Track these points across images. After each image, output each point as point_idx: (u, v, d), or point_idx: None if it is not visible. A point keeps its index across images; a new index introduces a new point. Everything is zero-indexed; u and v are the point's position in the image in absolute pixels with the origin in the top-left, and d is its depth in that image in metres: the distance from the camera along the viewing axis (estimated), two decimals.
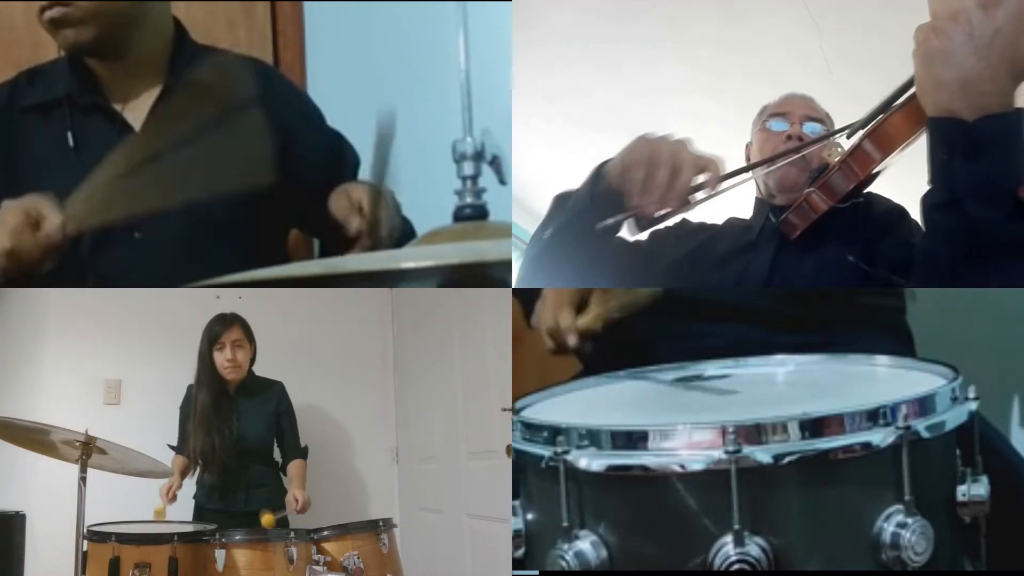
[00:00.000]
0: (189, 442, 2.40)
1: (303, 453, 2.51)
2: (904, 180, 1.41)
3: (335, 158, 1.73)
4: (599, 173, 1.37)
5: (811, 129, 1.62)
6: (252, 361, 2.49)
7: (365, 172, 1.74)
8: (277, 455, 2.53)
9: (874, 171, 1.33)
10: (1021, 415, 1.84)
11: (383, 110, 1.12)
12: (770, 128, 1.66)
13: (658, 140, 1.29)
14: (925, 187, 1.11)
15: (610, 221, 1.33)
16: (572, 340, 1.35)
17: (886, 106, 1.23)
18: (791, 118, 1.65)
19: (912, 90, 1.16)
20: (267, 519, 2.26)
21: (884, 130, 1.24)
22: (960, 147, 1.01)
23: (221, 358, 2.42)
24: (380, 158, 1.17)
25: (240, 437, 2.40)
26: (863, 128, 1.29)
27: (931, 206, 1.06)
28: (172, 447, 2.46)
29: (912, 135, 1.21)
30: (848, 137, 1.36)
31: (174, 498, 2.37)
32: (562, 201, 1.47)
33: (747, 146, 1.75)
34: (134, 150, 1.38)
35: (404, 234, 1.56)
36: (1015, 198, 1.01)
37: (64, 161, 1.55)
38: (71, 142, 1.55)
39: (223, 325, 2.44)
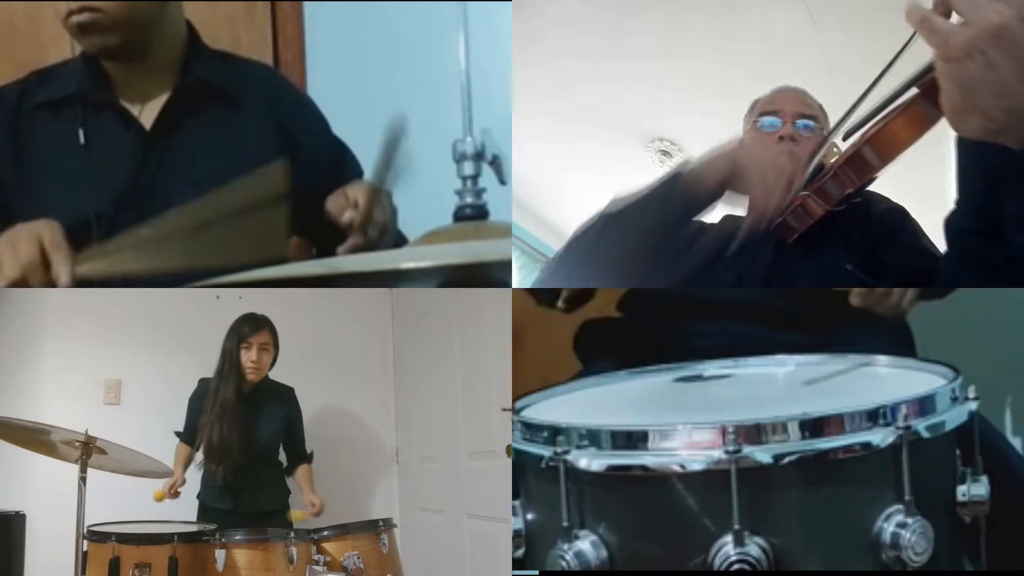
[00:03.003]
0: (201, 435, 2.41)
1: (309, 458, 2.53)
2: (901, 180, 1.41)
3: (337, 167, 1.73)
4: (676, 182, 1.28)
5: (803, 126, 1.59)
6: (272, 366, 2.50)
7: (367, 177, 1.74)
8: (281, 457, 2.54)
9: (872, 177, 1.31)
10: (1021, 415, 1.84)
11: (395, 115, 1.11)
12: (761, 127, 1.61)
13: (748, 146, 1.22)
14: (922, 186, 1.09)
15: (738, 240, 1.27)
16: None
17: (884, 108, 1.21)
18: (783, 116, 1.60)
19: (912, 92, 1.12)
20: (298, 515, 2.35)
21: (884, 136, 1.19)
22: (1005, 177, 0.94)
23: (246, 358, 2.43)
24: (385, 160, 1.16)
25: (252, 438, 2.41)
26: (860, 130, 1.27)
27: (962, 231, 1.01)
28: (178, 433, 2.47)
29: (913, 141, 1.16)
30: (844, 139, 1.33)
31: (176, 495, 2.37)
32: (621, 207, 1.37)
33: (739, 142, 1.72)
34: (164, 231, 1.36)
35: (396, 242, 1.56)
36: None
37: (75, 158, 1.55)
38: (82, 139, 1.55)
39: (254, 326, 2.45)
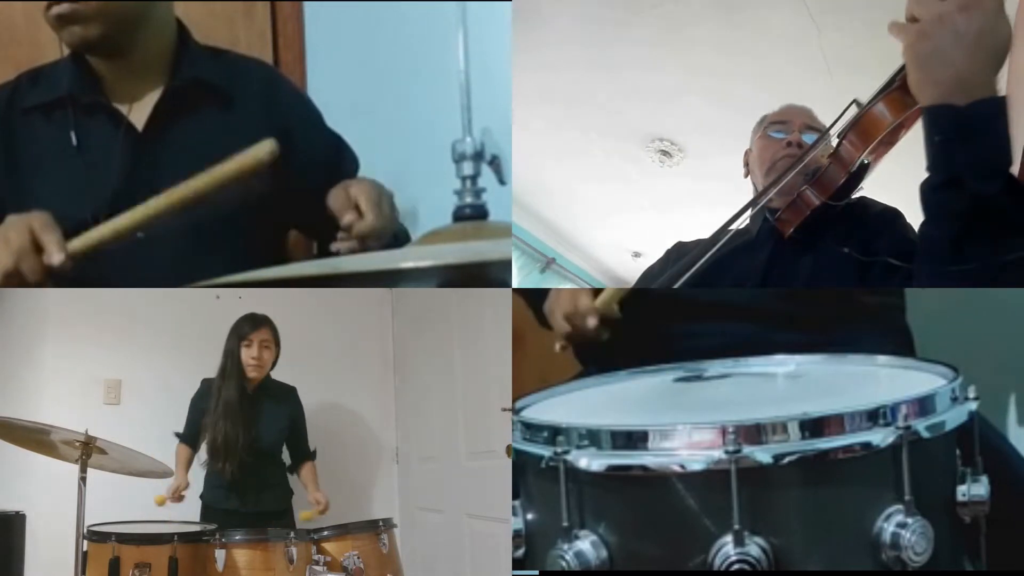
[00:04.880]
0: (204, 435, 2.42)
1: (312, 456, 2.54)
2: (901, 185, 1.42)
3: (334, 160, 1.73)
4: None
5: (809, 138, 1.64)
6: (273, 365, 2.51)
7: (363, 173, 1.74)
8: (284, 456, 2.55)
9: (860, 162, 1.35)
10: (1021, 415, 1.84)
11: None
12: (770, 135, 1.68)
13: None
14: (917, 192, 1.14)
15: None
16: (592, 321, 1.40)
17: (869, 105, 1.29)
18: (791, 126, 1.68)
19: (892, 86, 1.23)
20: (306, 515, 2.36)
21: (866, 120, 1.30)
22: (956, 130, 1.08)
23: (247, 355, 2.44)
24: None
25: (255, 436, 2.41)
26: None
27: (930, 188, 1.11)
28: (178, 434, 2.47)
29: (890, 123, 1.27)
30: (839, 137, 1.39)
31: (180, 499, 2.38)
32: None
33: (746, 153, 1.76)
34: (150, 211, 1.36)
35: (398, 239, 1.56)
36: (1008, 175, 1.08)
37: (67, 160, 1.55)
38: (74, 141, 1.55)
39: (254, 324, 2.47)
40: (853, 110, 1.34)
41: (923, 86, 1.11)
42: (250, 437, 2.40)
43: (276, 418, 2.49)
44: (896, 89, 1.23)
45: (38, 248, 1.31)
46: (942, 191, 1.09)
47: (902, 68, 1.19)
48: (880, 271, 1.42)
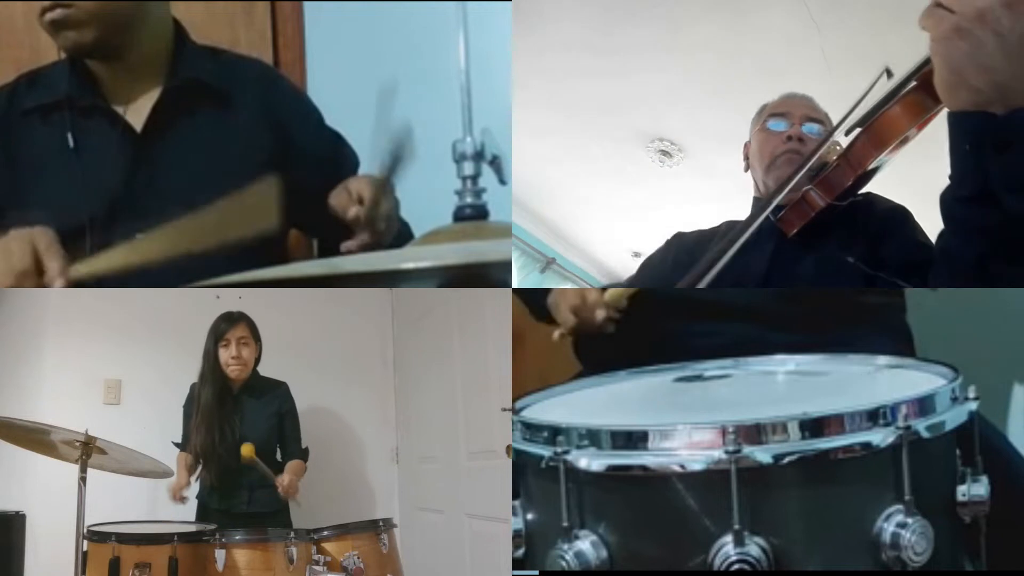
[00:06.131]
0: (192, 440, 2.40)
1: (303, 455, 2.50)
2: (907, 180, 1.41)
3: (334, 159, 1.73)
4: None
5: (810, 130, 1.61)
6: (257, 361, 2.49)
7: (364, 171, 1.74)
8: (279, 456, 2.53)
9: (871, 167, 1.33)
10: (1021, 415, 1.84)
11: (401, 127, 1.11)
12: (770, 128, 1.65)
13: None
14: (923, 189, 1.11)
15: None
16: (600, 314, 1.40)
17: (883, 103, 1.23)
18: (791, 118, 1.64)
19: (910, 84, 1.16)
20: (247, 448, 2.27)
21: (880, 124, 1.24)
22: (991, 141, 0.99)
23: (226, 355, 2.42)
24: (391, 170, 1.16)
25: (242, 436, 2.40)
26: (861, 125, 1.29)
27: (957, 200, 1.04)
28: (176, 444, 2.47)
29: (908, 128, 1.20)
30: (846, 135, 1.36)
31: (183, 499, 2.37)
32: None
33: (745, 145, 1.74)
34: (156, 243, 1.35)
35: (400, 235, 1.55)
36: None
37: (65, 163, 1.55)
38: (71, 143, 1.55)
39: (229, 322, 2.45)
40: (883, 81, 1.23)
41: (955, 90, 1.01)
42: (235, 439, 2.37)
43: (262, 416, 2.45)
44: (916, 89, 1.14)
45: (40, 268, 1.29)
46: (970, 205, 1.02)
47: (924, 63, 1.09)
48: (886, 284, 1.40)
